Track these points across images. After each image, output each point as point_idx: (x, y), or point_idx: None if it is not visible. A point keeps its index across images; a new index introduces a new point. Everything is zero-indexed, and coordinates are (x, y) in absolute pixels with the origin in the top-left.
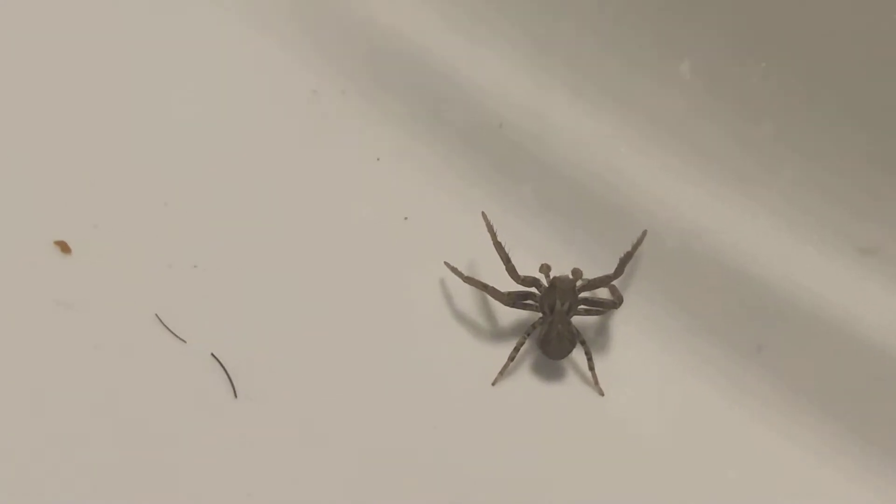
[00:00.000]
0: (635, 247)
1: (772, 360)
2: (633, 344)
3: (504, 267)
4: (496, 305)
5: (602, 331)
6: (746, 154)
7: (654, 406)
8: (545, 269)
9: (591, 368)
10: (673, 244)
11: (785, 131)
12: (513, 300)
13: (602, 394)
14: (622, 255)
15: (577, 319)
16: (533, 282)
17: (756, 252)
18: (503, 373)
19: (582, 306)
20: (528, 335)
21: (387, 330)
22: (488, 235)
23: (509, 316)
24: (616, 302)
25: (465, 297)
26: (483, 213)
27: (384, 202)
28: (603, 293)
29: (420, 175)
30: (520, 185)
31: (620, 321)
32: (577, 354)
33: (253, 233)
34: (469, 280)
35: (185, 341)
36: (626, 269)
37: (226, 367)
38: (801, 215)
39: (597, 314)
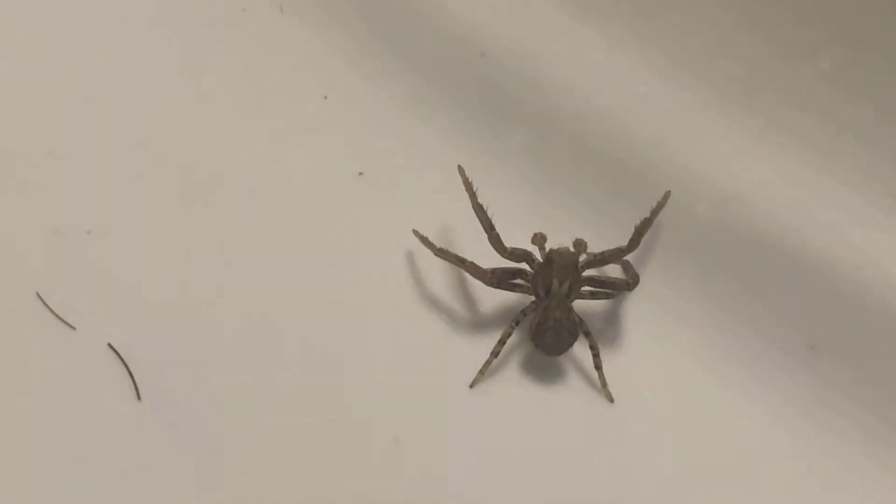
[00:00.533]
0: (655, 213)
1: (826, 363)
2: (651, 337)
3: (486, 236)
4: (477, 286)
5: (612, 319)
6: (796, 97)
7: (679, 418)
8: (539, 239)
9: (598, 367)
10: (703, 210)
11: (839, 68)
12: (497, 279)
13: (612, 400)
14: (638, 223)
15: (578, 304)
16: (523, 256)
17: (809, 224)
18: (484, 372)
19: (586, 287)
20: (517, 324)
21: (335, 317)
22: (466, 196)
23: (493, 299)
24: (630, 282)
25: (438, 274)
26: (460, 168)
27: (332, 153)
28: (613, 271)
29: (378, 119)
30: (507, 133)
31: (635, 307)
32: (580, 349)
33: (163, 189)
34: (442, 253)
35: (74, 328)
36: (643, 241)
37: (126, 362)
38: (868, 183)
39: (605, 297)
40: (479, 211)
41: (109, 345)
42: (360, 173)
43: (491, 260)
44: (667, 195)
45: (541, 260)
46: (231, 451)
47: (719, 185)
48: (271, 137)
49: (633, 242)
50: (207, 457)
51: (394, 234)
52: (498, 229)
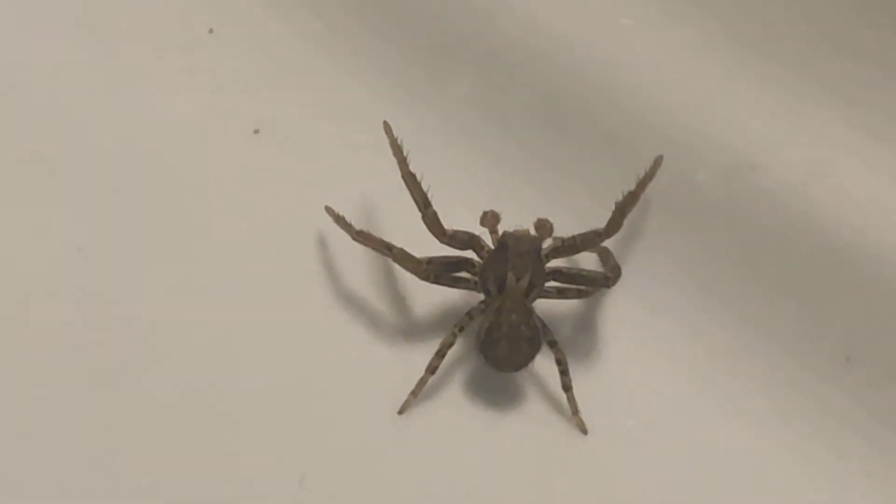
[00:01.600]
0: (642, 185)
1: (864, 377)
2: (636, 347)
3: (420, 214)
4: (408, 281)
5: (584, 325)
6: (826, 31)
7: (673, 455)
8: (490, 219)
9: (567, 388)
10: (705, 181)
11: None
12: (435, 271)
13: (585, 431)
14: (619, 199)
15: (541, 305)
16: (469, 241)
17: (844, 199)
18: (417, 394)
19: (551, 283)
20: (461, 331)
21: (223, 322)
22: (393, 161)
23: (429, 298)
24: (609, 276)
25: (358, 266)
26: (386, 126)
27: (220, 105)
28: (586, 262)
29: (279, 61)
30: (449, 80)
31: (615, 309)
32: (543, 364)
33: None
34: (362, 237)
35: None
36: (626, 222)
37: None
38: None
39: (576, 296)
40: (411, 181)
41: None
42: (256, 131)
43: (427, 246)
44: (657, 162)
45: (492, 246)
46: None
47: (725, 149)
48: (142, 83)
49: (614, 224)
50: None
51: (300, 212)
52: (436, 206)
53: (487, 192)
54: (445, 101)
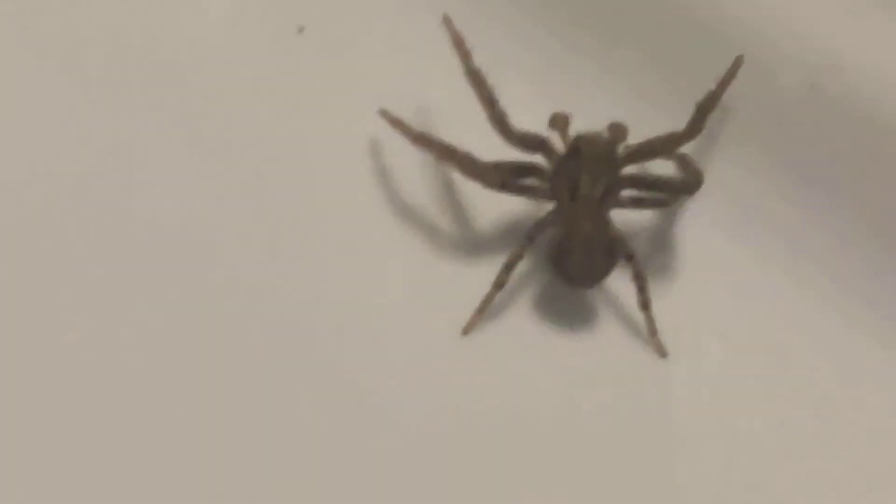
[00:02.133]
0: (722, 85)
1: None
2: (719, 264)
3: (486, 115)
4: (472, 189)
5: (664, 237)
6: None
7: (761, 380)
8: (561, 121)
9: (645, 307)
10: (788, 82)
11: None
12: (502, 177)
13: (664, 354)
14: (700, 100)
15: (617, 215)
16: (538, 144)
17: None
18: (483, 312)
19: (627, 191)
20: (531, 242)
21: (278, 241)
22: (456, 58)
23: (496, 207)
24: (690, 183)
25: (418, 173)
26: (446, 19)
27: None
28: (665, 168)
29: None
30: None
31: (696, 219)
32: (619, 280)
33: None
34: (422, 140)
35: None
36: (709, 124)
37: None
38: None
39: (654, 206)
40: (476, 78)
41: None
42: (301, 29)
43: (493, 150)
44: (738, 61)
45: (563, 150)
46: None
47: (810, 47)
48: None
49: (695, 126)
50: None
51: (352, 116)
52: (503, 106)
53: (556, 92)
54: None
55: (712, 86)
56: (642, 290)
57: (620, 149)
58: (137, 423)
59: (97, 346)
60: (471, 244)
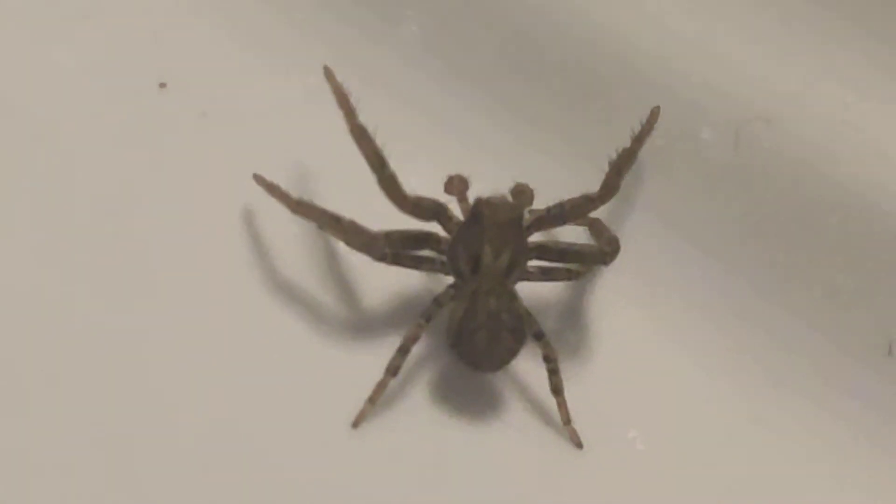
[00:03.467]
0: (638, 140)
1: None
2: (640, 339)
3: (374, 178)
4: (361, 263)
5: (575, 312)
6: None
7: (688, 470)
8: (457, 185)
9: (558, 391)
10: (710, 138)
11: None
12: (394, 248)
13: (580, 445)
14: (614, 157)
15: (524, 288)
16: (434, 210)
17: (879, 159)
18: (375, 401)
19: (535, 262)
20: (428, 321)
21: (130, 326)
22: (336, 115)
23: (387, 282)
24: (605, 251)
25: (298, 246)
26: (327, 71)
27: (118, 52)
28: (575, 235)
29: None
30: (399, 18)
31: (611, 292)
32: (528, 361)
33: None
34: (303, 209)
35: None
36: (624, 183)
37: None
38: None
39: (565, 278)
40: (362, 137)
41: None
42: (162, 85)
43: (382, 218)
44: (654, 114)
45: (462, 217)
46: None
47: (734, 100)
48: (22, 29)
49: (609, 187)
50: None
51: (221, 184)
52: (394, 167)
53: (451, 152)
54: (396, 44)
55: (627, 142)
56: (554, 373)
57: (526, 214)
58: None
59: None
60: (360, 325)
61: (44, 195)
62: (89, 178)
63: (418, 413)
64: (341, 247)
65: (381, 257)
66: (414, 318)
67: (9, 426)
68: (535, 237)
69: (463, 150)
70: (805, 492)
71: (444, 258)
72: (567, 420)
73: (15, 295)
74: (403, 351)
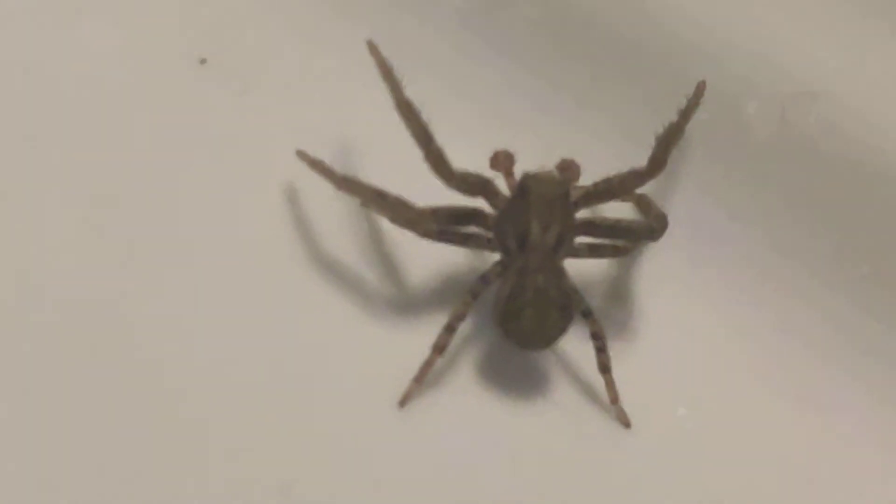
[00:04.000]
0: (685, 115)
1: None
2: (689, 317)
3: (421, 153)
4: (407, 239)
5: (625, 289)
6: None
7: (735, 447)
8: (503, 161)
9: (605, 370)
10: (757, 112)
11: None
12: (440, 225)
13: (627, 424)
14: (660, 132)
15: (572, 265)
16: (481, 186)
17: None
18: (421, 380)
19: (583, 238)
20: (475, 299)
21: (181, 302)
22: (380, 91)
23: (434, 260)
24: (653, 227)
25: (343, 223)
26: (371, 45)
27: (156, 29)
28: (624, 211)
29: None
30: None
31: (660, 268)
32: (575, 339)
33: None
34: (348, 185)
35: None
36: (671, 160)
37: None
38: None
39: (612, 254)
40: (408, 113)
41: None
42: (203, 60)
43: (429, 194)
44: (700, 87)
45: (508, 193)
46: None
47: (781, 73)
48: (52, 10)
49: (656, 161)
50: None
51: (263, 160)
52: (439, 142)
53: (496, 128)
54: (438, 20)
55: (673, 117)
56: (601, 350)
57: (573, 190)
58: None
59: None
60: (406, 303)
61: (87, 173)
62: (133, 155)
63: (464, 392)
64: (386, 224)
65: (426, 234)
66: (460, 295)
67: (47, 417)
68: (583, 213)
69: (506, 128)
70: (852, 472)
71: (490, 235)
72: (615, 399)
73: (59, 275)
74: (450, 329)
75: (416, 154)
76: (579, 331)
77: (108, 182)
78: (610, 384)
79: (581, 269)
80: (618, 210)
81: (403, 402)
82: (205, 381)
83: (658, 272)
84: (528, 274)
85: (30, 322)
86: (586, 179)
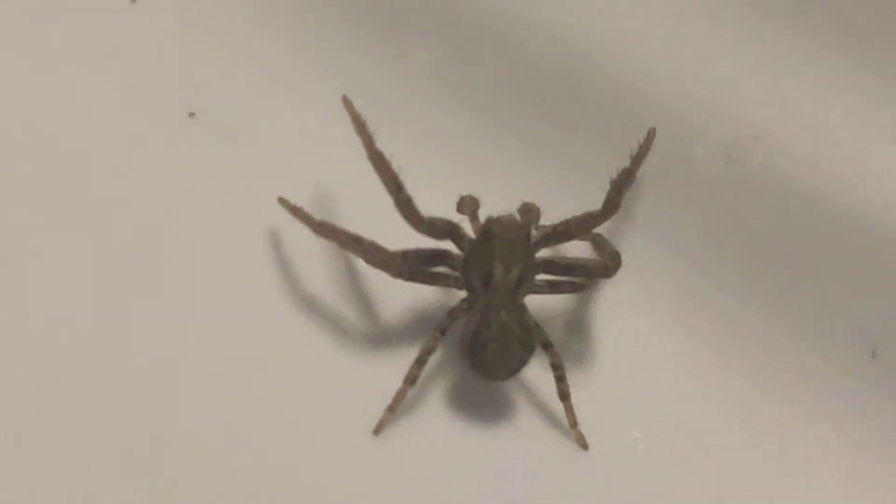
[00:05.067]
0: (637, 161)
1: (893, 371)
2: (642, 347)
3: (392, 200)
4: (379, 279)
5: (581, 323)
6: None
7: (687, 467)
8: (469, 204)
9: (565, 397)
10: (704, 156)
11: None
12: (410, 266)
13: (585, 446)
14: (614, 177)
15: (532, 301)
16: (448, 229)
17: (863, 174)
18: (395, 409)
19: (543, 276)
20: (443, 334)
21: (164, 337)
22: (354, 143)
23: (405, 297)
24: (608, 265)
25: (320, 264)
26: (345, 101)
27: (146, 84)
28: (580, 250)
29: (214, 32)
30: (408, 49)
31: (611, 304)
32: (537, 370)
33: None
34: (325, 230)
35: None
36: (625, 202)
37: None
38: None
39: (570, 290)
40: (379, 163)
41: None
42: (191, 114)
43: (400, 238)
44: (651, 135)
45: (473, 235)
46: None
47: (725, 119)
48: (55, 63)
49: (610, 205)
50: None
51: (246, 207)
52: (409, 190)
53: (461, 175)
54: (407, 74)
55: (626, 162)
56: (561, 380)
57: (533, 232)
58: None
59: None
60: (379, 338)
61: (84, 222)
62: (128, 199)
63: (435, 419)
64: (361, 264)
65: (398, 274)
66: (430, 330)
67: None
68: (543, 253)
69: (472, 174)
70: (793, 488)
71: (457, 274)
72: (574, 423)
73: (64, 314)
74: (420, 362)
75: (388, 200)
76: (541, 361)
77: (105, 223)
78: (569, 410)
79: (542, 304)
80: (576, 248)
81: (378, 429)
82: (186, 415)
83: (613, 305)
84: (492, 310)
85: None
86: (546, 220)
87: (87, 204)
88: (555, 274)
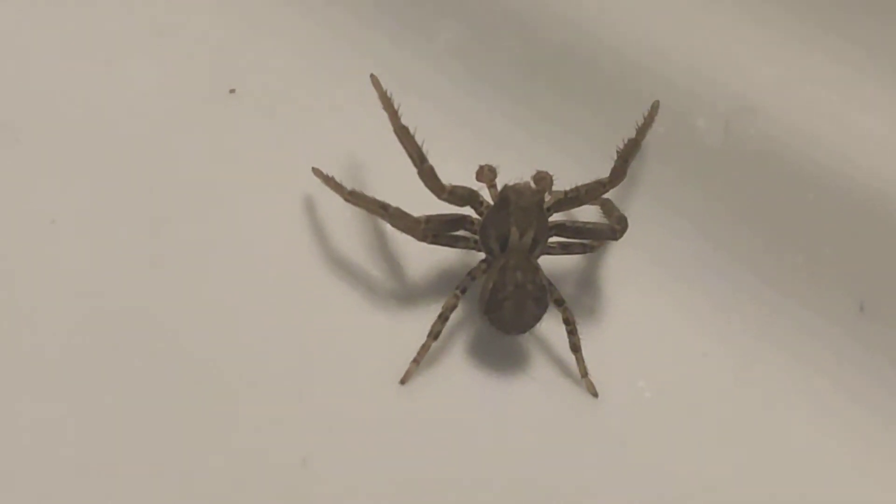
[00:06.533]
0: (641, 131)
1: (878, 328)
2: (647, 304)
3: (416, 170)
4: (404, 242)
5: (591, 281)
6: None
7: (689, 416)
8: (487, 174)
9: (576, 349)
10: (705, 126)
11: None
12: (433, 231)
13: (595, 394)
14: (621, 147)
15: (545, 262)
16: (468, 197)
17: (854, 142)
18: (419, 361)
19: (555, 238)
20: (463, 293)
21: (209, 300)
22: (381, 118)
23: (428, 260)
24: (615, 228)
25: (350, 229)
26: (373, 79)
27: (189, 65)
28: (590, 215)
29: (252, 16)
30: (435, 30)
31: (622, 263)
32: (550, 324)
33: None
34: (354, 198)
35: None
36: (631, 170)
37: None
38: None
39: (581, 251)
40: (405, 135)
41: None
42: (232, 90)
43: (423, 204)
44: (655, 107)
45: (491, 202)
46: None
47: (724, 92)
48: (105, 45)
49: (617, 173)
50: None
51: (285, 176)
52: (431, 161)
53: (480, 146)
54: (430, 54)
55: (632, 133)
56: (572, 333)
57: (547, 198)
58: None
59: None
60: (405, 296)
61: (135, 190)
62: (172, 173)
63: (456, 371)
64: (388, 229)
65: (422, 238)
66: (451, 289)
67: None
68: (555, 217)
69: (490, 145)
70: (785, 435)
71: (476, 237)
72: (584, 373)
73: (118, 279)
74: (443, 318)
75: (412, 170)
76: (554, 317)
77: (155, 190)
78: (580, 361)
79: (555, 264)
80: (586, 213)
81: (405, 379)
82: (234, 366)
83: (621, 265)
84: (508, 271)
85: (79, 319)
86: (558, 187)
87: (138, 173)
88: (566, 237)
